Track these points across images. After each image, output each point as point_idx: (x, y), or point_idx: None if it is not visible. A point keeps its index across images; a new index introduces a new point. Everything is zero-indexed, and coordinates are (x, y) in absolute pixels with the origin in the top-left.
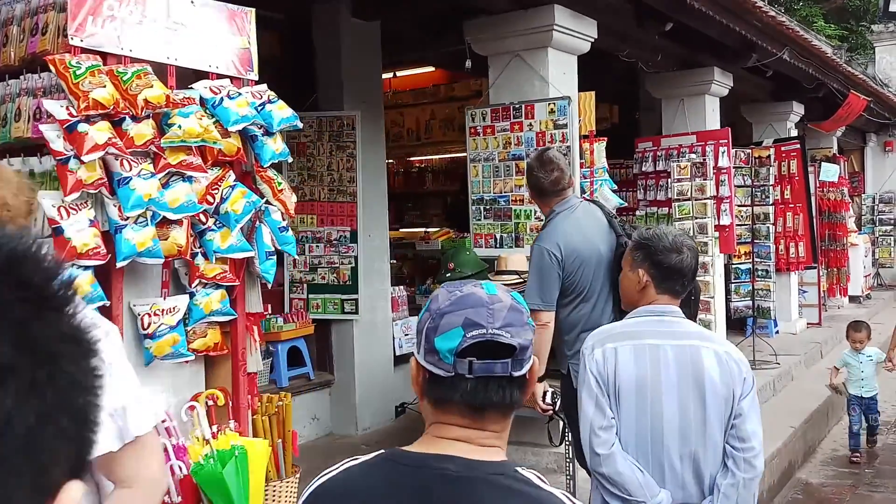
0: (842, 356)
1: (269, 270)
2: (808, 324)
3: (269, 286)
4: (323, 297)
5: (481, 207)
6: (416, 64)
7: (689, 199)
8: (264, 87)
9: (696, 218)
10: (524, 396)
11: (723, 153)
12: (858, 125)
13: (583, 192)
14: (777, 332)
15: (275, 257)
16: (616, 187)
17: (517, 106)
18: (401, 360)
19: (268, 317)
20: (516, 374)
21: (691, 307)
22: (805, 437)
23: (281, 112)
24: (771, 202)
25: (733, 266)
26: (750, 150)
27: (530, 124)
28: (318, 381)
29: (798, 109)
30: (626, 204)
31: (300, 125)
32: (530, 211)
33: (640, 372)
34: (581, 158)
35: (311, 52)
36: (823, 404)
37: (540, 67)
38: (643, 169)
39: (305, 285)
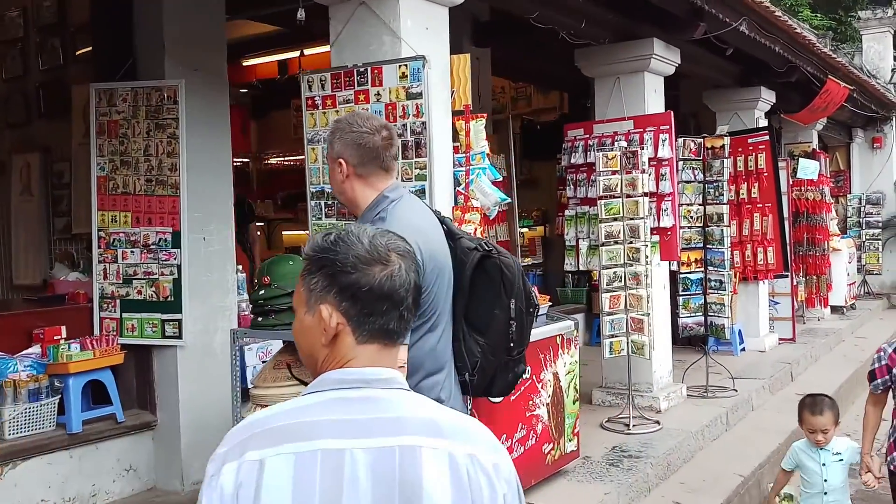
0: (792, 452)
1: None
2: (779, 339)
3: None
4: (139, 316)
5: (322, 202)
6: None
7: (618, 196)
8: None
9: (628, 218)
10: None
11: (664, 141)
12: (843, 119)
13: (456, 183)
14: (743, 349)
15: None
16: (501, 178)
17: (362, 69)
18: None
19: (61, 343)
20: None
21: (523, 329)
22: (760, 485)
23: None
24: (725, 200)
25: (681, 276)
26: (702, 140)
27: (378, 93)
28: (133, 423)
29: (767, 96)
30: (509, 200)
31: None
32: None
33: None
34: (455, 141)
35: (130, 7)
36: (788, 440)
37: (390, 19)
38: (572, 161)
39: (118, 301)
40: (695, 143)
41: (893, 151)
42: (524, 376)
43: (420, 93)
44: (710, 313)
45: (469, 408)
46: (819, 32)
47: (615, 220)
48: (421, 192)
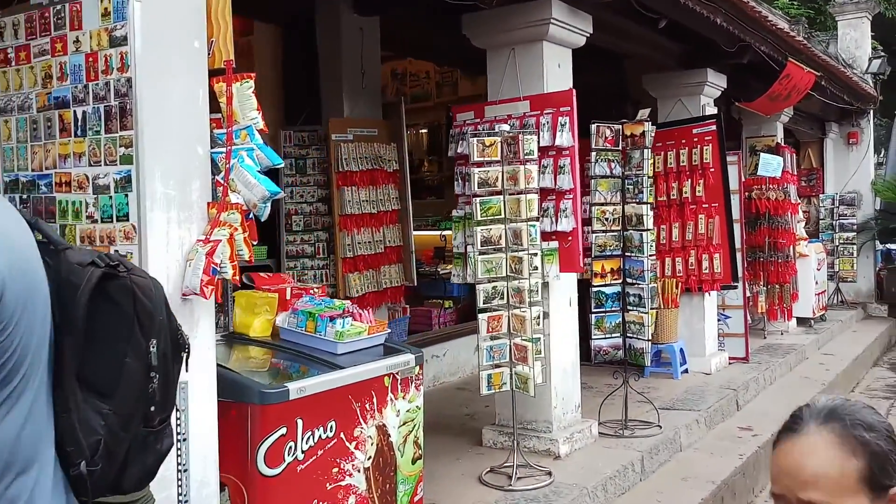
0: None
1: None
2: (729, 359)
3: None
4: None
5: (17, 196)
6: None
7: (499, 193)
8: None
9: (511, 221)
10: None
11: (563, 126)
12: (814, 111)
13: (215, 168)
14: (686, 370)
15: None
16: (281, 163)
17: (59, 7)
18: None
19: None
20: None
21: (168, 384)
22: None
23: None
24: (645, 199)
25: (595, 289)
26: (620, 127)
27: (77, 40)
28: None
29: (715, 81)
30: (282, 194)
31: None
32: (83, 203)
33: None
34: (216, 112)
35: None
36: (717, 492)
37: None
38: (460, 150)
39: None
40: (611, 131)
41: (870, 148)
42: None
43: (125, 37)
44: (628, 334)
45: None
46: (792, 18)
47: (491, 221)
48: (126, 182)
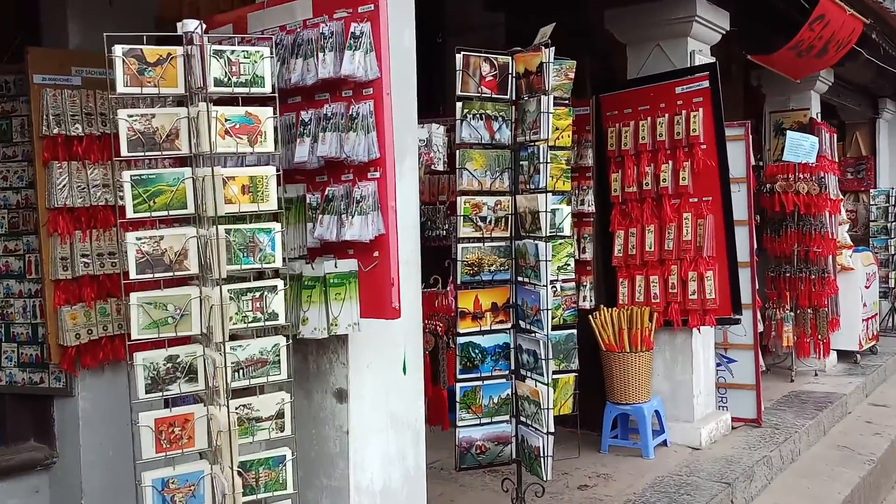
0: None
1: None
2: (734, 421)
3: None
4: None
5: None
6: None
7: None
8: None
9: (213, 221)
10: None
11: (358, 40)
12: (862, 81)
13: None
14: (663, 443)
15: None
16: None
17: None
18: None
19: None
20: None
21: None
22: None
23: None
24: (541, 184)
25: (462, 341)
26: (510, 58)
27: None
28: None
29: (711, 17)
30: None
31: None
32: None
33: None
34: None
35: None
36: None
37: None
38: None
39: None
40: (492, 66)
41: None
42: None
43: None
44: (521, 418)
45: None
46: None
47: (196, 222)
48: None
